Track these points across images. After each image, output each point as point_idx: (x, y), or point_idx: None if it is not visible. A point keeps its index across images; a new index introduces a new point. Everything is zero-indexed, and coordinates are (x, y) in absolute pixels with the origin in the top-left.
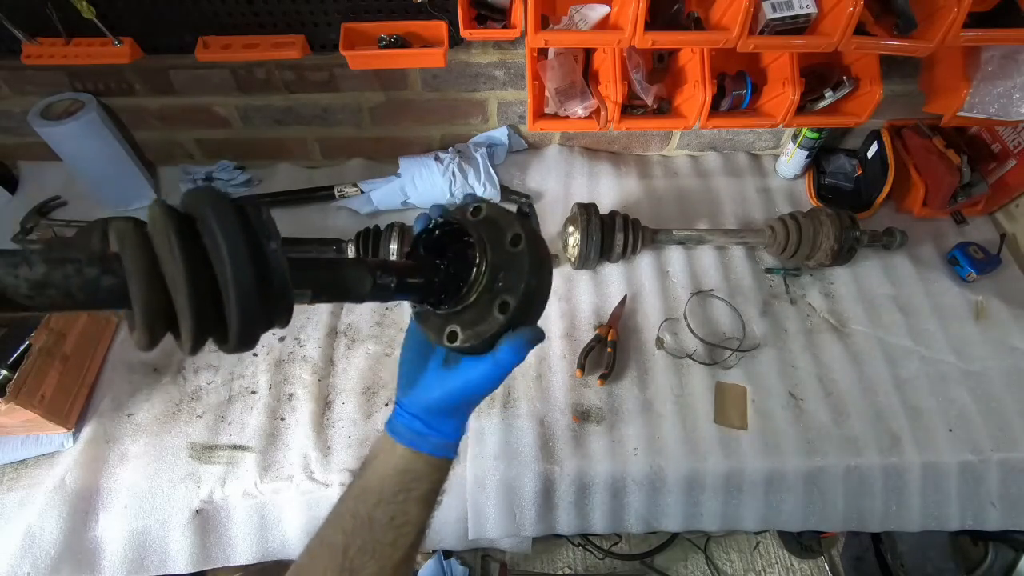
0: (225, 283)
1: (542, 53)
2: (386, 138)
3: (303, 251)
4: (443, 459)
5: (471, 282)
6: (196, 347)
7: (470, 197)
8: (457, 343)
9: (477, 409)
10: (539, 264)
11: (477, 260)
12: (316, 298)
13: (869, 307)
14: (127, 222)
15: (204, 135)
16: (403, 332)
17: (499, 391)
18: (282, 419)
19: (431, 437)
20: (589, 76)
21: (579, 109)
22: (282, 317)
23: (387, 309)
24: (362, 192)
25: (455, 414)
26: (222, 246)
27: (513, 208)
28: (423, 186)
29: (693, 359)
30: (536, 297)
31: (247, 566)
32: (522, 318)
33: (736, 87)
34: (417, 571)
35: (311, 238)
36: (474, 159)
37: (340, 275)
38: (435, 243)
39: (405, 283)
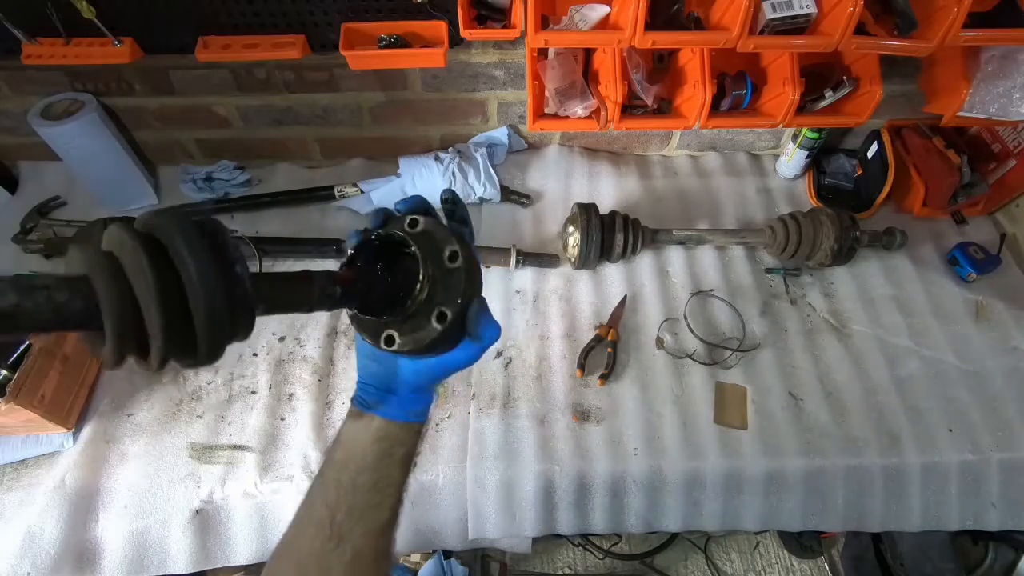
0: (196, 302)
1: (542, 53)
2: (386, 138)
3: (303, 251)
4: (420, 423)
5: (413, 296)
6: (163, 365)
7: (403, 205)
8: (395, 347)
9: (477, 409)
10: (473, 279)
11: (421, 276)
12: (267, 312)
13: (869, 307)
14: (86, 248)
15: (204, 135)
16: None
17: (499, 391)
18: (282, 419)
19: (409, 408)
20: (589, 76)
21: (579, 109)
22: (245, 332)
23: None
24: (362, 192)
25: (433, 389)
26: (190, 265)
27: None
28: (423, 186)
29: (693, 359)
30: (470, 304)
31: (247, 566)
32: (458, 323)
33: (736, 87)
34: (417, 571)
35: (310, 238)
36: (474, 159)
37: (289, 289)
38: (373, 252)
39: (349, 292)
